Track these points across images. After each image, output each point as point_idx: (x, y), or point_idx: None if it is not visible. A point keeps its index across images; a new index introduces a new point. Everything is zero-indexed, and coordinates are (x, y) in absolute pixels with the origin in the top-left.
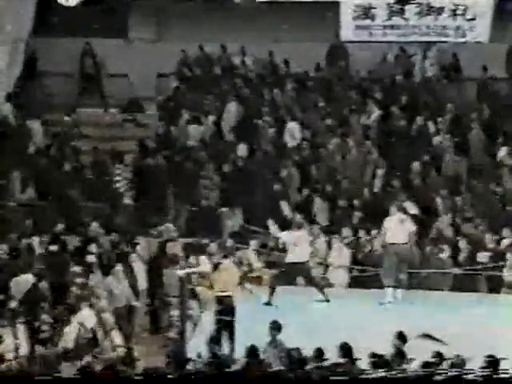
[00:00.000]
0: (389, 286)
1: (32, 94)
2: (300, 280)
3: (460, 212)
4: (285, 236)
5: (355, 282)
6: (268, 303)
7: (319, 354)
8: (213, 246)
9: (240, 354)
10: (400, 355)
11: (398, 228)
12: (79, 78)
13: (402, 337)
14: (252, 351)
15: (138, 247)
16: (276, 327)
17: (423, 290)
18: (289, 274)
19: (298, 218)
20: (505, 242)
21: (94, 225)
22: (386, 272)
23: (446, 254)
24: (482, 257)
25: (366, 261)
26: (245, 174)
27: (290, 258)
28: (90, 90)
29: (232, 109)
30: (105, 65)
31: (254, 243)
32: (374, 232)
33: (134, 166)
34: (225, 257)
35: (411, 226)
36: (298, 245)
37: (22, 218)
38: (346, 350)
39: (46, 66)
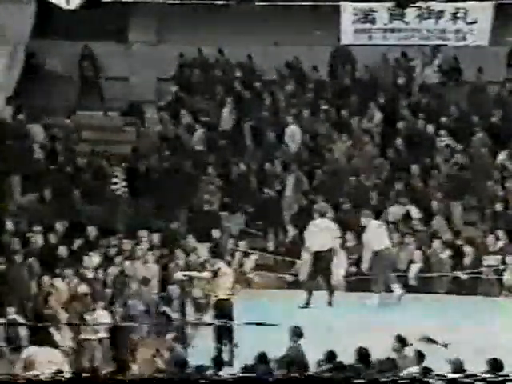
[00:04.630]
0: (379, 292)
1: (32, 97)
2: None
3: (462, 215)
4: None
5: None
6: (306, 305)
7: (331, 356)
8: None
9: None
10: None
11: (377, 234)
12: (79, 81)
13: (401, 340)
14: (262, 357)
15: (138, 250)
16: (297, 333)
17: (421, 293)
18: (316, 264)
19: (321, 205)
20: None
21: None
22: (375, 278)
23: (445, 255)
24: (483, 260)
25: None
26: (246, 177)
27: (315, 247)
28: (89, 93)
29: (230, 112)
30: (104, 68)
31: (253, 246)
32: None
33: (134, 170)
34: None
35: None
36: (321, 233)
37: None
38: (363, 354)
39: (45, 69)
